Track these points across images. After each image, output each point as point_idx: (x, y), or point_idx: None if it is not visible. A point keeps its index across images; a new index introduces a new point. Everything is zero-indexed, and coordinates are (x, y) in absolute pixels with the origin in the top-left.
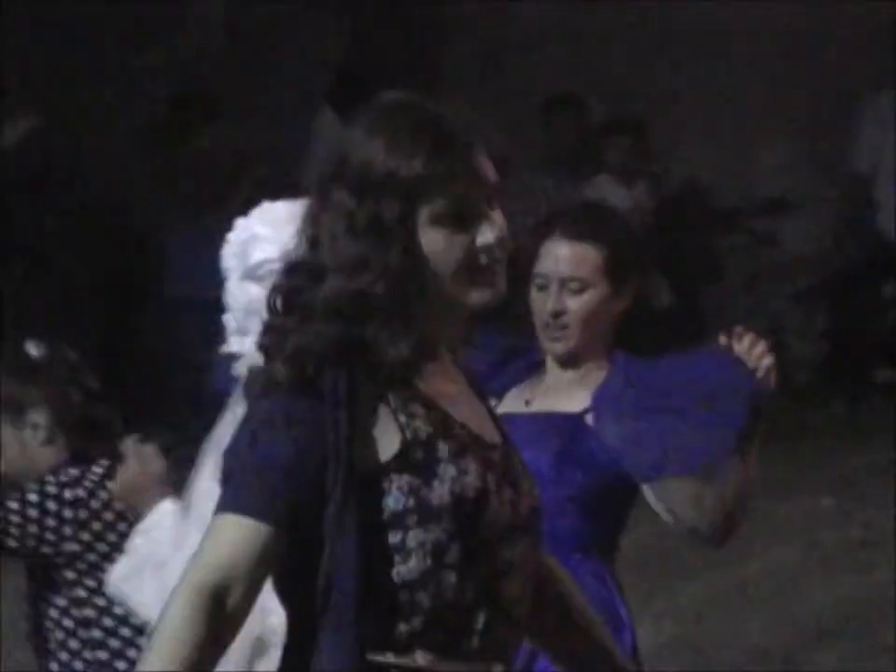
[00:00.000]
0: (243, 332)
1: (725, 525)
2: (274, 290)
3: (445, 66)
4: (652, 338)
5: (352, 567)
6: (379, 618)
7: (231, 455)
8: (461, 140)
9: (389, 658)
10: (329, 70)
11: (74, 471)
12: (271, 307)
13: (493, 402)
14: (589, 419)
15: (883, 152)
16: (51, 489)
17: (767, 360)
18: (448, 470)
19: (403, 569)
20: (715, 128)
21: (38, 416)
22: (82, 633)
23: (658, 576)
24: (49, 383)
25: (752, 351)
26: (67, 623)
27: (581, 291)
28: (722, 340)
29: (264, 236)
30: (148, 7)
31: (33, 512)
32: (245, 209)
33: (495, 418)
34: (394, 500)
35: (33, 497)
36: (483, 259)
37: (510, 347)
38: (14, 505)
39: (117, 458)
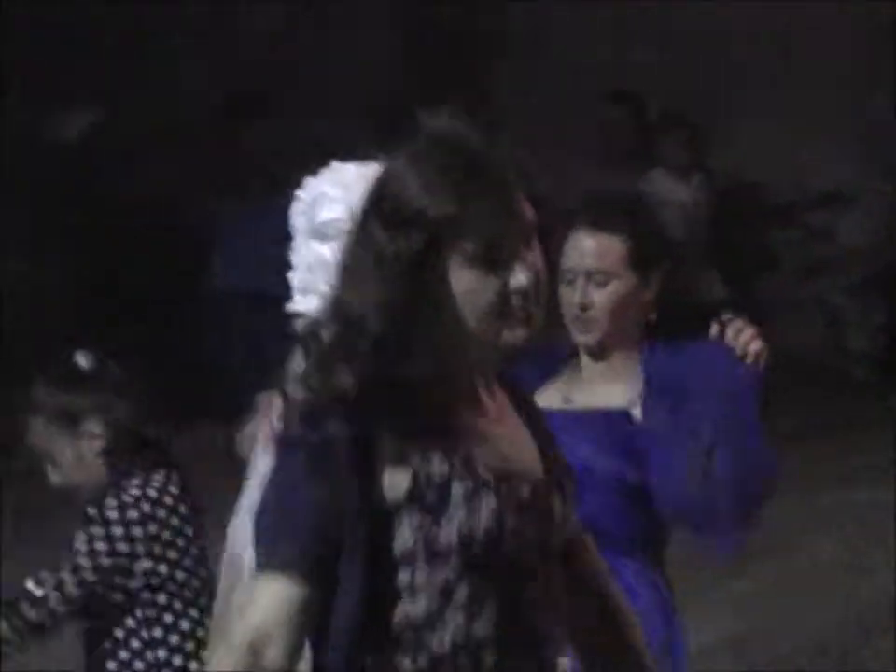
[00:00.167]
0: (305, 291)
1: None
2: (309, 331)
3: (499, 66)
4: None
5: (358, 603)
6: (385, 655)
7: (261, 516)
8: (498, 178)
9: None
10: (375, 73)
11: (135, 490)
12: (304, 348)
13: None
14: (636, 413)
15: None
16: (133, 514)
17: (755, 346)
18: (457, 512)
19: (411, 608)
20: (767, 122)
21: (94, 426)
22: (144, 633)
23: (703, 573)
24: (99, 393)
25: (740, 337)
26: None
27: (606, 283)
28: (714, 330)
29: (333, 196)
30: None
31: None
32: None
33: (546, 441)
34: (403, 539)
35: (117, 532)
36: (516, 301)
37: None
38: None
39: (172, 467)
